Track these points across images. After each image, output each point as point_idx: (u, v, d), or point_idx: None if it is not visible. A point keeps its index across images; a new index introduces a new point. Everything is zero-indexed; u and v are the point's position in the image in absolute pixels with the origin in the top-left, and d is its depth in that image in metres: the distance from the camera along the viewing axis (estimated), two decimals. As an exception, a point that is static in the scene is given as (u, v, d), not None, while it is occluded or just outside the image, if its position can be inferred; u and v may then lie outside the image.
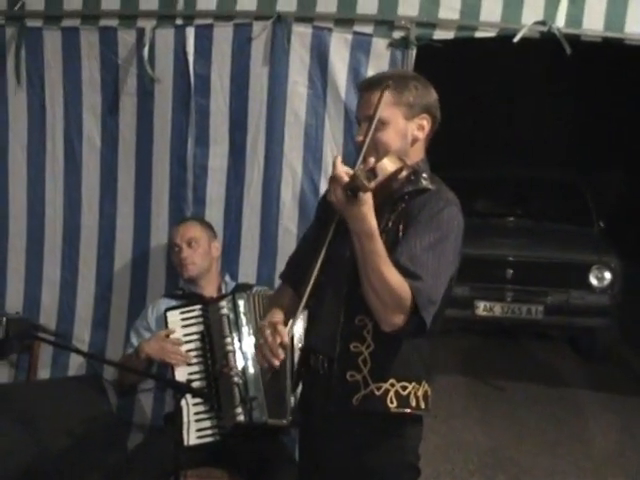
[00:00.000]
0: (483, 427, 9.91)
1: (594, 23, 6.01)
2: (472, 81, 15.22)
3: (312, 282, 3.98)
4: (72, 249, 6.84)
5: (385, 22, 6.22)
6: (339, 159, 3.74)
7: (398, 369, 4.09)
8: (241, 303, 5.68)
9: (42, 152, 6.85)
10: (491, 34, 6.14)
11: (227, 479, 5.96)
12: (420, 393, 4.16)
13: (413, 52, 6.15)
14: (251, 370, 5.52)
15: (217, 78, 6.47)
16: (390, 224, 4.04)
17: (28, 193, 6.92)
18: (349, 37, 6.28)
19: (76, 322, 6.84)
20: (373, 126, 4.00)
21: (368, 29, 6.27)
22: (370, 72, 6.16)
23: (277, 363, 3.98)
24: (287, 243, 6.31)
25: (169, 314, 5.85)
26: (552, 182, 14.34)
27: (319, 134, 6.38)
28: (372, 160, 3.69)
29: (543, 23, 6.00)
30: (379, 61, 6.21)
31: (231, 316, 5.63)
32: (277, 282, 5.32)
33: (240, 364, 5.55)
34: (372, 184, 3.62)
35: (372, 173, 3.62)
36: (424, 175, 4.12)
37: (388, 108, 4.08)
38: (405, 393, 4.09)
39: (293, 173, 6.42)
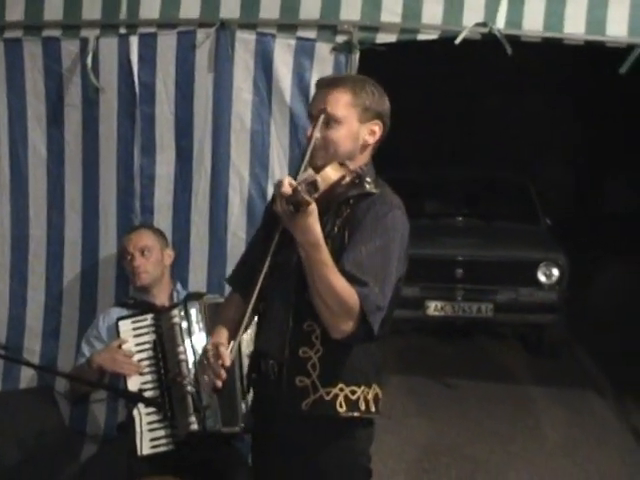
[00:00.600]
0: (437, 426, 9.92)
1: (534, 24, 6.02)
2: (426, 85, 15.33)
3: (257, 292, 4.03)
4: (20, 260, 6.80)
5: (328, 27, 6.20)
6: (285, 172, 3.86)
7: (347, 374, 4.12)
8: (193, 312, 5.65)
9: None
10: (433, 36, 6.14)
11: None
12: (370, 396, 4.19)
13: (356, 56, 6.13)
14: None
15: (162, 86, 6.44)
16: (335, 229, 4.06)
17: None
18: (292, 42, 6.25)
19: (26, 334, 6.79)
20: (320, 121, 4.07)
21: (311, 34, 6.24)
22: (314, 77, 6.12)
23: (219, 384, 4.05)
24: (236, 248, 6.28)
25: (121, 323, 5.81)
26: (500, 183, 14.44)
27: (265, 140, 6.35)
28: (311, 172, 3.70)
29: (484, 25, 6.00)
30: (323, 66, 6.18)
31: (183, 325, 5.59)
32: (228, 288, 5.32)
33: (192, 373, 5.50)
34: (314, 196, 3.62)
35: (313, 186, 3.61)
36: (368, 179, 4.13)
37: (344, 108, 4.13)
38: (354, 397, 4.13)
39: (240, 179, 6.39)
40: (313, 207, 3.67)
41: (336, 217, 4.11)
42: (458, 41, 6.01)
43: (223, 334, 4.35)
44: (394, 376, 11.17)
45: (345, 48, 6.16)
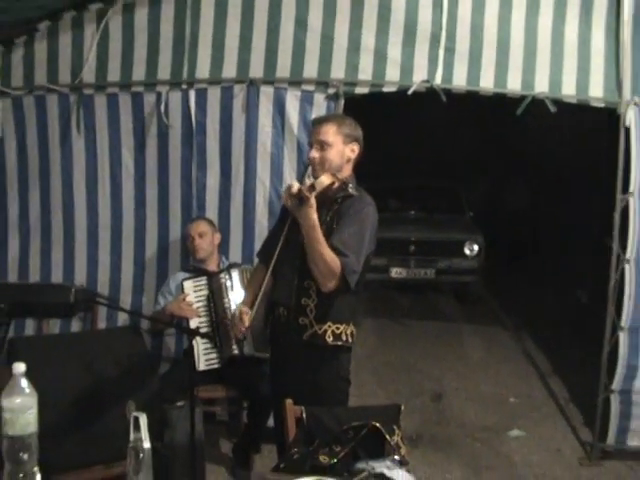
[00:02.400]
0: (396, 351, 9.97)
1: (460, 80, 6.09)
2: (391, 123, 15.39)
3: (274, 262, 4.34)
4: (117, 241, 6.81)
5: (322, 83, 6.24)
6: (294, 180, 4.01)
7: (333, 315, 4.32)
8: (234, 275, 5.78)
9: (95, 177, 6.79)
10: (393, 89, 6.19)
11: (225, 392, 6.09)
12: (349, 332, 4.40)
13: (341, 102, 6.19)
14: (241, 320, 5.53)
15: (210, 124, 6.45)
16: (328, 219, 4.27)
17: (87, 205, 6.86)
18: (298, 93, 6.28)
19: (121, 290, 6.80)
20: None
21: (311, 87, 6.28)
22: (313, 116, 6.12)
23: (240, 337, 4.57)
24: (261, 233, 6.28)
25: (185, 283, 5.88)
26: (438, 187, 14.47)
27: (280, 159, 6.36)
28: (308, 180, 4.10)
29: (427, 81, 6.04)
30: (319, 109, 6.20)
31: (227, 284, 5.73)
32: (255, 259, 5.32)
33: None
34: (312, 194, 3.90)
35: (312, 187, 3.94)
36: (350, 185, 4.31)
37: (332, 135, 4.33)
38: (338, 332, 4.35)
39: (263, 186, 6.40)
40: (312, 201, 3.94)
41: (329, 211, 4.30)
42: (410, 92, 6.09)
43: (249, 299, 4.60)
44: (366, 319, 11.17)
45: (334, 97, 6.21)
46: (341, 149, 4.35)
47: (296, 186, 4.00)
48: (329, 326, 4.32)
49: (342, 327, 4.36)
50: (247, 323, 4.42)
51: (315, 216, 4.01)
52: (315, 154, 4.35)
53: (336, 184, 4.20)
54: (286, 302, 4.41)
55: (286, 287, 4.39)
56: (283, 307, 4.45)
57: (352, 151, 4.40)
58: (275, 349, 4.69)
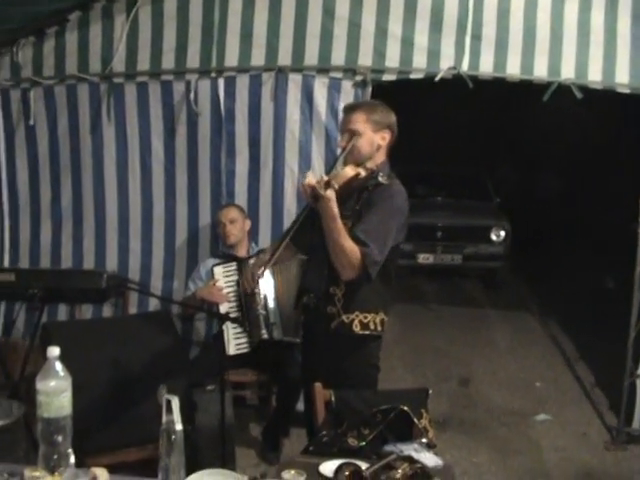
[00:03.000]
0: (424, 335, 10.00)
1: (486, 67, 6.03)
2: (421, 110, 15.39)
3: (290, 234, 4.15)
4: (147, 228, 6.85)
5: (350, 70, 6.21)
6: (309, 174, 4.02)
7: (361, 304, 4.28)
8: (263, 261, 5.70)
9: (125, 164, 6.84)
10: (420, 76, 6.13)
11: (254, 376, 6.15)
12: (377, 320, 4.33)
13: (369, 89, 6.16)
14: (271, 305, 5.55)
15: (239, 111, 6.45)
16: (357, 207, 4.21)
17: (117, 193, 6.91)
18: (326, 81, 6.26)
19: (152, 276, 6.84)
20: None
21: (339, 75, 6.25)
22: (341, 104, 6.11)
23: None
24: (289, 220, 6.26)
25: (215, 269, 5.91)
26: (465, 173, 14.48)
27: (308, 146, 6.36)
28: (325, 176, 3.95)
29: (454, 68, 5.98)
30: (346, 96, 6.18)
31: None
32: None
33: (263, 301, 5.56)
34: (328, 191, 3.86)
35: (327, 184, 3.86)
36: (381, 174, 4.22)
37: (361, 124, 4.25)
38: (366, 321, 4.29)
39: (291, 172, 6.40)
40: (329, 196, 3.89)
41: (358, 199, 4.25)
42: (437, 79, 6.03)
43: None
44: (395, 304, 11.08)
45: (361, 84, 6.18)
46: (371, 137, 4.28)
47: (313, 181, 3.94)
48: (356, 315, 4.27)
49: (370, 316, 4.30)
50: (258, 275, 4.36)
51: (334, 209, 3.96)
52: (345, 143, 4.29)
53: (362, 174, 4.16)
54: (315, 290, 4.36)
55: (316, 275, 4.33)
56: (312, 294, 4.41)
57: (383, 139, 4.32)
58: (306, 335, 4.68)
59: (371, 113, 4.30)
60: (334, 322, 4.28)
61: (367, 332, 4.31)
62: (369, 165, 4.26)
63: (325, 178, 3.93)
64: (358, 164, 4.21)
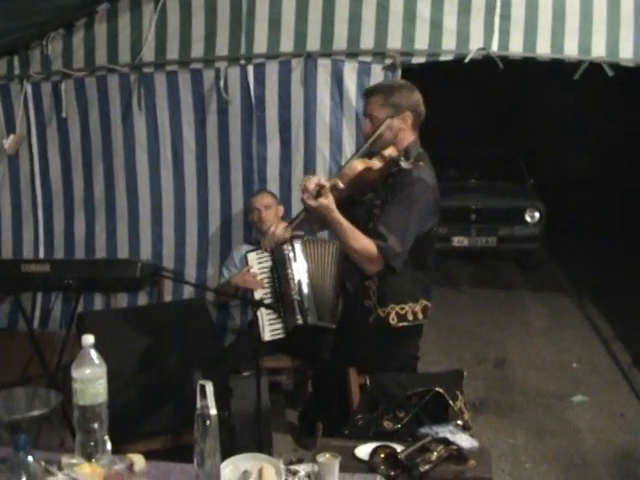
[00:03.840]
0: (458, 318, 9.98)
1: (516, 47, 5.97)
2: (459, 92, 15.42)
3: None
4: (180, 216, 6.87)
5: (379, 53, 6.19)
6: (306, 178, 3.94)
7: (396, 296, 4.23)
8: (297, 246, 5.65)
9: (157, 154, 6.87)
10: (449, 58, 6.09)
11: (290, 362, 6.14)
12: (418, 309, 4.28)
13: (399, 72, 6.13)
14: (305, 290, 5.52)
15: (270, 98, 6.45)
16: (384, 195, 4.13)
17: (150, 182, 6.94)
18: (356, 65, 6.25)
19: (186, 264, 6.85)
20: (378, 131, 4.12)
21: (368, 59, 6.24)
22: None
23: (268, 249, 4.40)
24: (322, 204, 6.31)
25: (249, 255, 5.85)
26: (498, 154, 14.41)
27: (339, 131, 6.35)
28: (314, 180, 3.87)
29: (483, 49, 5.94)
30: (376, 80, 6.10)
31: (291, 255, 5.58)
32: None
33: (297, 287, 5.54)
34: (321, 199, 3.77)
35: (318, 192, 3.75)
36: (402, 158, 4.12)
37: (379, 109, 4.15)
38: (403, 312, 4.24)
39: (323, 157, 6.40)
40: (323, 204, 3.80)
41: (385, 187, 4.18)
42: (467, 60, 5.98)
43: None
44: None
45: (391, 68, 6.16)
46: (389, 122, 4.16)
47: (312, 185, 3.84)
48: (392, 308, 4.22)
49: (407, 307, 4.25)
50: (277, 235, 4.19)
51: (333, 214, 3.88)
52: (366, 128, 4.25)
53: (377, 165, 4.09)
54: (353, 282, 4.38)
55: (354, 266, 4.24)
56: (352, 287, 4.41)
57: (404, 121, 4.19)
58: (343, 323, 4.69)
59: (389, 96, 4.19)
60: (371, 316, 4.27)
61: (405, 323, 4.26)
62: (387, 152, 4.16)
63: (323, 183, 3.85)
64: (371, 155, 4.16)
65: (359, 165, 4.02)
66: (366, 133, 4.24)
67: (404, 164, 4.13)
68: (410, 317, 4.26)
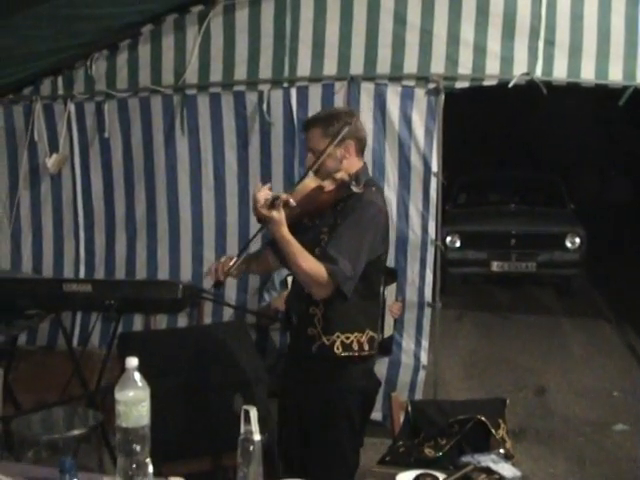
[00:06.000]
0: (496, 344, 9.97)
1: (560, 72, 5.98)
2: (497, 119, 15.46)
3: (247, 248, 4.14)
4: (221, 238, 6.91)
5: (422, 78, 6.20)
6: (260, 186, 3.72)
7: (341, 325, 3.96)
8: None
9: (199, 175, 6.92)
10: (493, 83, 6.10)
11: None
12: (364, 339, 4.02)
13: (442, 97, 6.14)
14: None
15: (312, 120, 6.42)
16: (332, 221, 3.94)
17: (191, 203, 6.99)
18: (399, 89, 6.26)
19: (226, 286, 6.71)
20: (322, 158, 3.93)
21: (411, 83, 6.25)
22: (414, 113, 6.23)
23: (214, 279, 4.01)
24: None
25: (289, 278, 5.81)
26: (539, 179, 14.54)
27: (381, 155, 6.34)
28: (267, 190, 3.69)
29: (527, 74, 5.92)
30: (419, 104, 6.18)
31: None
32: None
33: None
34: (273, 212, 3.59)
35: (273, 202, 3.59)
36: (353, 182, 3.92)
37: (319, 140, 3.99)
38: (348, 342, 3.97)
39: (365, 181, 6.36)
40: (274, 217, 3.61)
41: (334, 212, 3.97)
42: (511, 85, 5.97)
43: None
44: (468, 312, 11.23)
45: (434, 92, 6.17)
46: (332, 151, 3.99)
47: (261, 199, 3.65)
48: (337, 336, 3.98)
49: (353, 336, 4.00)
50: (226, 272, 3.99)
51: (282, 231, 3.69)
52: (309, 162, 4.06)
53: (329, 187, 3.91)
54: (297, 309, 4.15)
55: (297, 294, 4.11)
56: (293, 314, 4.20)
57: (347, 149, 4.05)
58: (289, 356, 4.41)
59: (328, 126, 4.02)
60: (315, 345, 4.01)
61: (350, 353, 4.00)
62: (339, 176, 3.97)
63: (278, 194, 3.68)
64: (324, 177, 3.97)
65: (311, 183, 3.90)
66: (309, 166, 4.03)
67: (355, 188, 3.93)
68: (355, 347, 4.00)
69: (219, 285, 4.10)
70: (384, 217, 4.05)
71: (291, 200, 3.65)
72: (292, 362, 4.29)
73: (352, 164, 4.07)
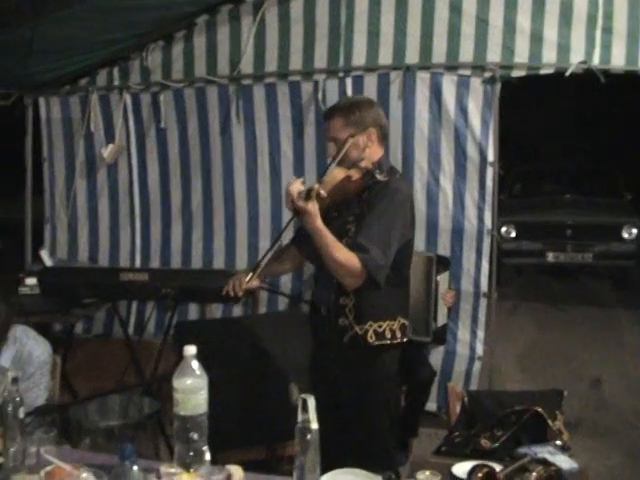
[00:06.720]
0: (552, 335, 9.88)
1: (618, 61, 5.86)
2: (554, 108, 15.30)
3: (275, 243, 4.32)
4: (277, 228, 6.85)
5: (478, 67, 6.14)
6: (292, 180, 3.77)
7: (373, 314, 3.99)
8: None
9: (254, 165, 6.95)
10: (550, 71, 6.02)
11: None
12: (396, 327, 4.04)
13: (498, 86, 6.08)
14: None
15: (368, 110, 6.40)
16: (359, 210, 3.97)
17: (247, 193, 7.03)
18: (455, 78, 6.21)
19: (282, 276, 6.70)
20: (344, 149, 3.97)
21: (467, 72, 6.20)
22: (470, 102, 6.17)
23: (231, 294, 4.23)
24: (420, 219, 6.23)
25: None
26: (595, 169, 14.34)
27: (437, 145, 6.31)
28: (301, 187, 3.71)
29: (584, 62, 5.84)
30: (475, 94, 6.14)
31: None
32: (417, 243, 5.31)
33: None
34: (309, 204, 3.63)
35: (308, 194, 3.63)
36: (377, 171, 3.96)
37: (341, 129, 4.02)
38: (381, 330, 3.99)
39: (421, 171, 6.36)
40: (309, 209, 3.65)
41: (359, 202, 4.00)
42: (567, 74, 5.87)
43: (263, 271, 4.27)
44: (523, 304, 11.16)
45: (490, 81, 6.10)
46: (355, 141, 4.03)
47: (294, 191, 3.71)
48: (370, 325, 3.98)
49: (385, 324, 4.01)
50: (243, 287, 4.19)
51: (316, 222, 3.73)
52: (332, 151, 4.10)
53: (356, 176, 3.94)
54: (326, 301, 4.12)
55: (326, 285, 4.08)
56: (323, 306, 4.16)
57: (369, 137, 4.08)
58: (317, 348, 4.37)
59: (349, 115, 4.06)
60: (347, 335, 4.02)
61: (383, 342, 4.02)
62: (363, 164, 4.03)
63: (306, 189, 3.72)
64: (349, 167, 4.01)
65: (340, 173, 3.92)
66: (332, 156, 4.07)
67: (379, 176, 3.97)
68: (388, 335, 4.02)
69: (238, 300, 4.50)
70: (411, 203, 4.10)
71: (322, 191, 3.69)
72: (321, 353, 4.29)
73: (375, 152, 4.12)
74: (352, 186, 3.94)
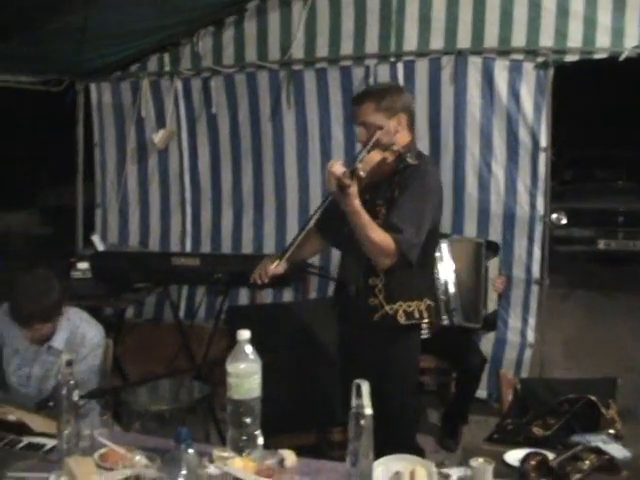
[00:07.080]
0: (603, 323, 9.79)
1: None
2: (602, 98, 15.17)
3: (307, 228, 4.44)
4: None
5: (531, 51, 6.09)
6: (334, 161, 3.77)
7: (403, 293, 4.04)
8: (444, 246, 5.63)
9: (305, 150, 6.96)
10: (604, 55, 5.94)
11: (434, 362, 5.98)
12: (423, 307, 4.09)
13: (551, 71, 6.03)
14: (451, 290, 5.49)
15: (419, 95, 6.37)
16: (389, 193, 4.02)
17: (298, 179, 7.05)
18: (507, 63, 6.16)
19: (332, 261, 6.73)
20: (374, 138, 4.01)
21: (520, 57, 6.15)
22: (523, 87, 6.13)
23: (259, 282, 4.35)
24: (470, 205, 6.28)
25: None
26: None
27: (489, 130, 6.27)
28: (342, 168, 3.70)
29: (639, 47, 5.76)
30: (528, 78, 6.09)
31: (437, 254, 5.47)
32: (468, 229, 5.31)
33: (444, 286, 5.50)
34: (353, 181, 3.65)
35: (352, 173, 3.65)
36: (408, 154, 4.03)
37: (372, 115, 4.05)
38: (410, 310, 4.05)
39: (472, 157, 6.33)
40: (352, 189, 3.67)
41: (391, 184, 4.05)
42: (622, 58, 5.81)
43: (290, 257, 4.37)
44: (574, 291, 11.06)
45: (543, 66, 6.05)
46: (386, 125, 4.07)
47: (339, 171, 3.69)
48: (400, 305, 4.04)
49: (414, 304, 4.07)
50: (269, 273, 4.30)
51: (354, 203, 3.76)
52: (362, 135, 4.13)
53: (390, 158, 3.97)
54: (355, 282, 4.17)
55: (354, 266, 4.14)
56: (352, 286, 4.20)
57: (399, 122, 4.11)
58: (345, 329, 4.41)
59: (380, 100, 4.09)
60: (377, 314, 4.07)
61: (412, 321, 4.08)
62: (396, 148, 4.06)
63: (349, 168, 3.73)
64: (383, 150, 4.02)
65: (377, 156, 3.92)
66: (362, 141, 4.13)
67: (410, 160, 4.04)
68: (417, 315, 4.08)
69: (263, 287, 4.62)
70: (440, 187, 4.18)
71: (362, 172, 3.74)
72: (349, 333, 4.33)
73: (404, 137, 4.15)
74: (386, 168, 3.99)
